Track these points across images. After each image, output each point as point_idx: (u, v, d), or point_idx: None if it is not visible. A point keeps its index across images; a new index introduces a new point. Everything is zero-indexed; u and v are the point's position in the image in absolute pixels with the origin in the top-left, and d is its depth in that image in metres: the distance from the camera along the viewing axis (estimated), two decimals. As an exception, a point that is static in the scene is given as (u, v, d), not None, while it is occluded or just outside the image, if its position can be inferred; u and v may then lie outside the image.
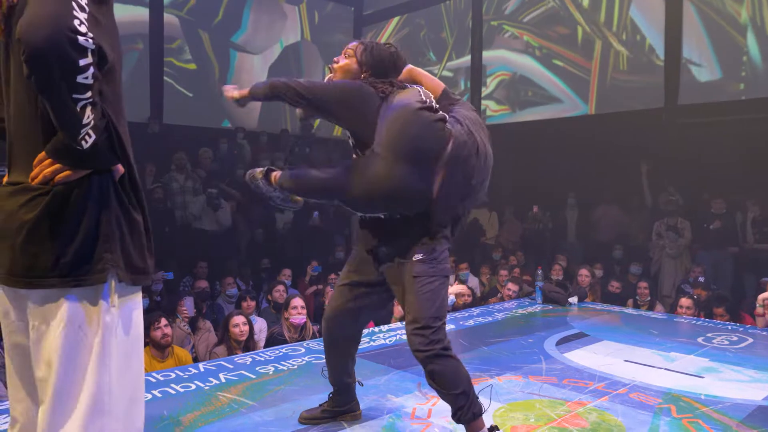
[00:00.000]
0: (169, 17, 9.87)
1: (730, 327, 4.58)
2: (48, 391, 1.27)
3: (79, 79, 1.12)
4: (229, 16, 10.70)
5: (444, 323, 2.19)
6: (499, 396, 2.98)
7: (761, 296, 4.84)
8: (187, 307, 4.82)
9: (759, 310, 4.77)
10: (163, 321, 4.02)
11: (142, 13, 9.49)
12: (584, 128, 8.74)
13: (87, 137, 1.19)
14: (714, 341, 4.13)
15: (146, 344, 4.01)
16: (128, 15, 9.30)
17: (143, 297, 5.04)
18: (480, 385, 2.65)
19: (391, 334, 4.35)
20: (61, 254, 1.25)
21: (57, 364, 1.26)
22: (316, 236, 7.66)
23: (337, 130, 12.11)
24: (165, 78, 9.73)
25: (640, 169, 7.92)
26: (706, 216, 7.20)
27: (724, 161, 7.28)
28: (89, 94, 1.15)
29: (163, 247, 6.60)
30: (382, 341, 4.13)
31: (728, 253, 6.98)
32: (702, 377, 3.32)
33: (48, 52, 1.07)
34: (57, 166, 1.23)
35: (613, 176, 8.13)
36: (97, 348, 1.29)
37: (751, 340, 4.16)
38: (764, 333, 4.39)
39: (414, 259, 2.19)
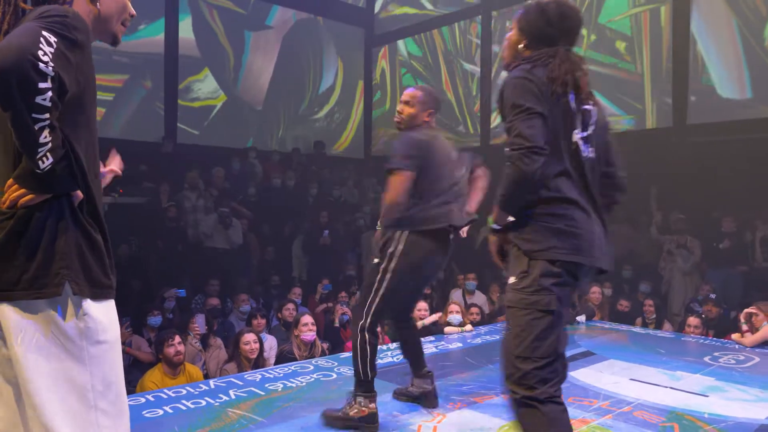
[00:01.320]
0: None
1: (737, 346, 4.58)
2: (29, 401, 1.39)
3: (38, 99, 1.27)
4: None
5: (537, 366, 1.78)
6: (502, 414, 3.02)
7: (745, 312, 4.83)
8: (199, 324, 4.91)
9: (744, 327, 4.75)
10: (177, 338, 4.10)
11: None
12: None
13: (45, 158, 1.32)
14: (720, 360, 4.14)
15: (159, 361, 4.10)
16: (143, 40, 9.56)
17: (156, 315, 5.16)
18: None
19: (398, 352, 4.39)
20: (24, 270, 1.39)
21: (26, 375, 1.38)
22: (326, 255, 7.74)
23: (348, 150, 12.28)
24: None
25: (650, 191, 7.95)
26: (716, 235, 7.20)
27: (734, 180, 7.30)
28: (47, 115, 1.29)
29: (175, 265, 6.73)
30: (390, 359, 4.18)
31: (737, 272, 6.96)
32: (707, 396, 3.34)
33: (11, 72, 1.23)
34: (22, 191, 1.38)
35: (623, 196, 8.13)
36: (60, 354, 1.41)
37: (757, 359, 4.17)
38: (771, 352, 4.40)
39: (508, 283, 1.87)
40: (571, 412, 3.04)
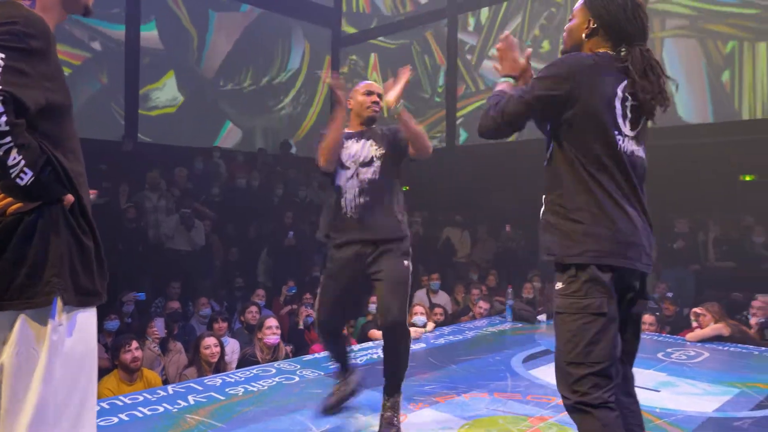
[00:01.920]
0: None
1: (688, 343, 4.74)
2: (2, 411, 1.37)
3: None
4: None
5: (592, 372, 1.70)
6: (464, 413, 3.07)
7: (692, 311, 5.01)
8: (158, 328, 4.82)
9: (694, 324, 4.92)
10: (134, 344, 4.02)
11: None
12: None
13: (22, 174, 1.32)
14: (672, 356, 4.28)
15: (115, 367, 4.01)
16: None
17: (114, 319, 5.04)
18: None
19: (363, 353, 4.41)
20: (13, 278, 1.37)
21: (8, 384, 1.36)
22: (291, 256, 7.69)
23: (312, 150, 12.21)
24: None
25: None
26: (670, 235, 7.43)
27: (687, 182, 7.55)
28: (8, 139, 1.28)
29: (135, 267, 6.59)
30: (354, 360, 4.18)
31: (691, 271, 7.20)
32: (659, 391, 3.45)
33: None
34: (9, 199, 1.37)
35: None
36: (42, 366, 1.39)
37: (707, 354, 4.33)
38: (719, 347, 4.56)
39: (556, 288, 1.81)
40: (530, 409, 3.12)
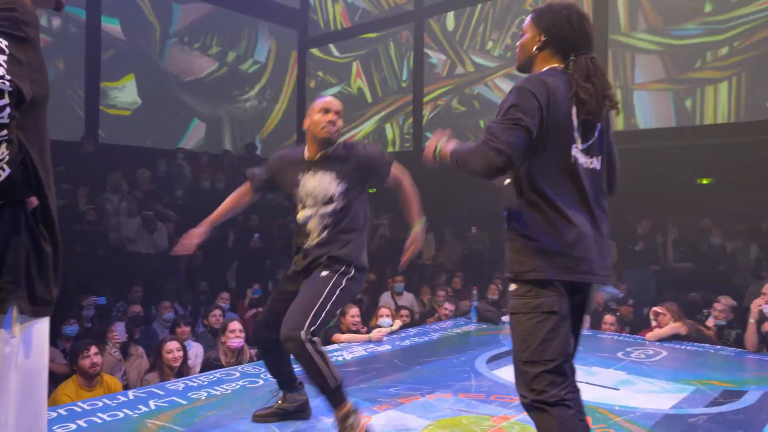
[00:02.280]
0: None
1: (647, 342, 4.86)
2: None
3: None
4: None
5: (546, 370, 1.74)
6: (428, 414, 3.08)
7: (652, 310, 5.16)
8: (118, 332, 4.72)
9: (653, 323, 5.06)
10: (93, 349, 3.92)
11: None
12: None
13: (1, 171, 1.25)
14: (632, 355, 4.38)
15: (73, 372, 3.91)
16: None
17: (73, 324, 4.92)
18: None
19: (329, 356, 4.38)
20: None
21: None
22: (256, 259, 7.63)
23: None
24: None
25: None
26: (631, 237, 7.61)
27: (648, 185, 7.75)
28: (5, 132, 1.21)
29: (95, 271, 6.44)
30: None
31: (651, 271, 7.39)
32: (618, 389, 3.53)
33: None
34: None
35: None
36: None
37: (665, 353, 4.44)
38: (677, 346, 4.69)
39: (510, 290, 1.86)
40: (493, 409, 3.15)
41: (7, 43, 1.22)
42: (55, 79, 9.04)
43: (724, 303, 5.04)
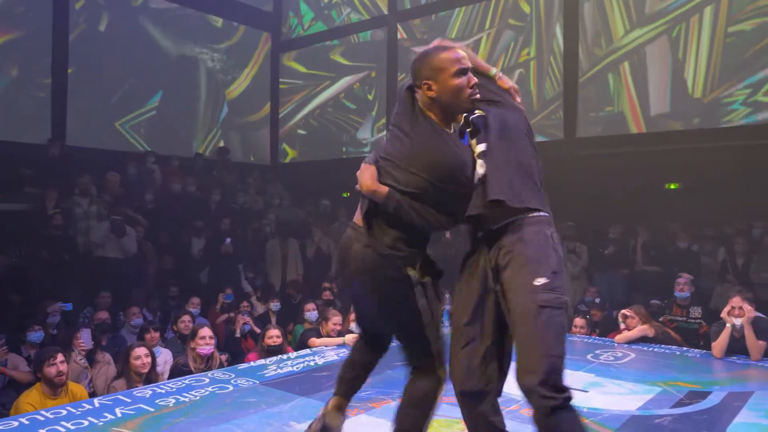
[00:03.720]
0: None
1: (616, 344, 4.93)
2: None
3: None
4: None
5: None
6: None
7: (621, 313, 5.25)
8: (84, 339, 4.62)
9: (622, 326, 5.16)
10: (59, 357, 3.83)
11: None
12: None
13: None
14: (601, 357, 4.44)
15: (38, 380, 3.82)
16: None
17: (38, 330, 4.79)
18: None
19: (299, 361, 4.36)
20: None
21: None
22: (228, 263, 7.53)
23: (255, 156, 12.05)
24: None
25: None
26: (602, 241, 7.73)
27: (619, 190, 7.89)
28: None
29: (61, 276, 6.30)
30: (290, 368, 4.14)
31: (621, 274, 7.50)
32: (587, 391, 3.57)
33: None
34: None
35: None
36: None
37: (633, 355, 4.52)
38: (645, 348, 4.77)
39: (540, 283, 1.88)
40: (446, 408, 3.15)
41: None
42: (17, 81, 8.85)
43: (686, 277, 5.41)
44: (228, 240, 7.44)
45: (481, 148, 2.05)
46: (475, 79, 2.03)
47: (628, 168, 7.97)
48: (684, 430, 2.96)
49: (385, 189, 1.99)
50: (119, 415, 3.11)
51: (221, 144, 11.22)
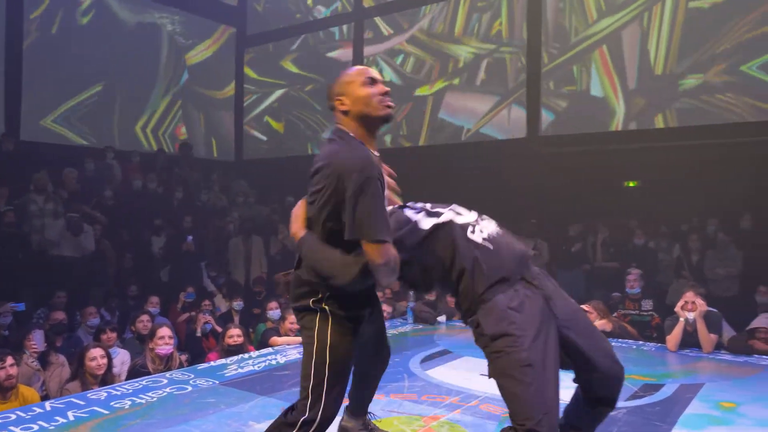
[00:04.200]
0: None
1: (575, 339, 5.02)
2: None
3: None
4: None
5: None
6: (359, 416, 3.06)
7: (581, 306, 5.35)
8: (36, 341, 4.48)
9: None
10: (9, 360, 3.70)
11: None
12: (461, 155, 9.27)
13: None
14: (560, 353, 4.51)
15: (-14, 384, 3.68)
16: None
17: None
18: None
19: (261, 360, 4.32)
20: None
21: None
22: (190, 261, 7.41)
23: (219, 152, 11.87)
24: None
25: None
26: (563, 238, 7.87)
27: (580, 188, 8.04)
28: None
29: (14, 276, 6.10)
30: (251, 367, 4.09)
31: (581, 270, 7.65)
32: (545, 387, 3.61)
33: None
34: None
35: (487, 201, 8.67)
36: None
37: (591, 350, 4.60)
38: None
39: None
40: (424, 409, 3.18)
41: None
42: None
43: (635, 273, 5.58)
44: (190, 238, 7.32)
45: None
46: (386, 88, 2.07)
47: (589, 166, 8.13)
48: (637, 423, 3.03)
49: (298, 236, 2.06)
50: (72, 418, 3.03)
51: (183, 131, 11.04)
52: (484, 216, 2.22)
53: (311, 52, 11.45)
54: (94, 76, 9.94)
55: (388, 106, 2.05)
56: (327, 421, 2.02)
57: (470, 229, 2.09)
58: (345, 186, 1.86)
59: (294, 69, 11.61)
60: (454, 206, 2.21)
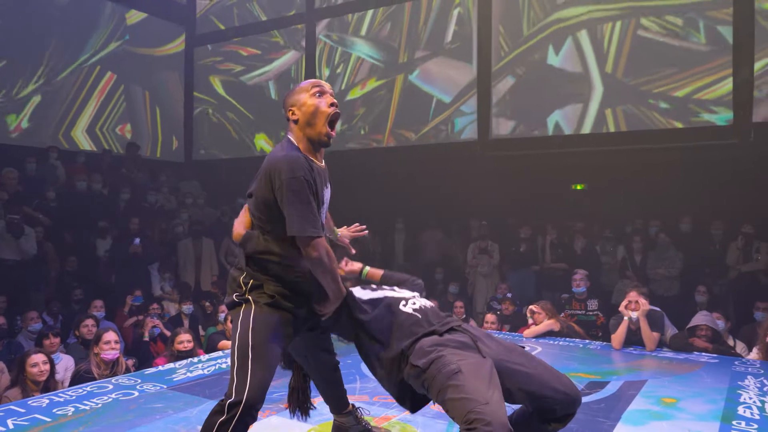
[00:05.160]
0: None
1: (524, 339, 5.15)
2: None
3: None
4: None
5: None
6: (311, 418, 3.05)
7: (528, 309, 5.52)
8: (-27, 347, 4.28)
9: (530, 321, 5.41)
10: (-60, 367, 3.54)
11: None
12: (410, 159, 9.34)
13: None
14: (510, 352, 4.61)
15: None
16: None
17: None
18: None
19: (211, 363, 4.25)
20: None
21: None
22: (137, 264, 7.20)
23: (164, 153, 11.59)
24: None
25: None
26: (513, 239, 8.04)
27: (527, 190, 8.23)
28: None
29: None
30: (200, 371, 4.02)
31: (531, 271, 7.83)
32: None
33: None
34: None
35: (437, 203, 8.79)
36: None
37: (540, 348, 4.72)
38: (551, 342, 5.01)
39: None
40: (376, 410, 3.19)
41: None
42: None
43: (581, 273, 5.79)
44: (137, 240, 7.12)
45: None
46: (332, 100, 2.19)
47: (538, 169, 8.33)
48: (583, 419, 3.12)
49: (238, 234, 2.25)
50: (11, 426, 2.91)
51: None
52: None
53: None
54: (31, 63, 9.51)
55: (335, 115, 2.18)
56: (253, 403, 2.02)
57: (403, 302, 2.34)
58: (273, 185, 2.02)
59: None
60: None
